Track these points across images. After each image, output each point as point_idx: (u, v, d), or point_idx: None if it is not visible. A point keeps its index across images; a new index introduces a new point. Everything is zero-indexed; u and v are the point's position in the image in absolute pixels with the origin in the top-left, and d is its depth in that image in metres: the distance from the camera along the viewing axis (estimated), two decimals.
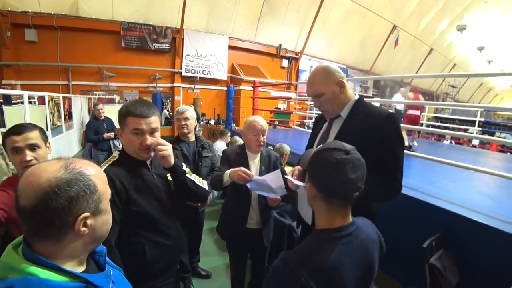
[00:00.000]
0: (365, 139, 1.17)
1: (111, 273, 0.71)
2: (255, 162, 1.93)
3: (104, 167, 1.16)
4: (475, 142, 9.42)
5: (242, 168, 1.60)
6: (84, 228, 0.60)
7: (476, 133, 7.16)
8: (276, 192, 1.55)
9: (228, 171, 1.69)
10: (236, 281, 2.08)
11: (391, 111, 1.32)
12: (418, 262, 1.96)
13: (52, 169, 0.59)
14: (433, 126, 7.94)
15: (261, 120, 1.88)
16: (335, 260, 0.76)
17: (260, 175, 1.85)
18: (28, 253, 0.58)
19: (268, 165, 1.95)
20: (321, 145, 0.88)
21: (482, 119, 7.29)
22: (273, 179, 1.51)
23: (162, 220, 1.27)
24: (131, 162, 1.23)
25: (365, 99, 1.46)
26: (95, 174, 0.64)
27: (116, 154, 1.27)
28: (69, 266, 0.60)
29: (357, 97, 1.39)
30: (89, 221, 0.61)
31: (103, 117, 4.74)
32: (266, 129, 1.88)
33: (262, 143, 1.87)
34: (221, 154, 2.00)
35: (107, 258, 0.76)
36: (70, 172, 0.59)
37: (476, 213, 2.15)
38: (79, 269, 0.64)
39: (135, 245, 1.19)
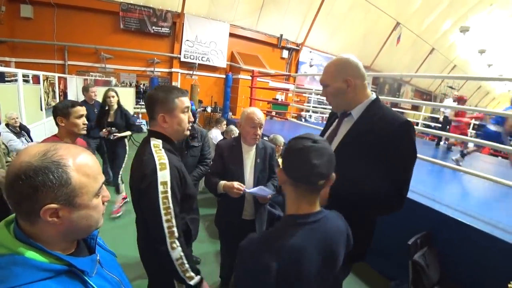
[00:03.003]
0: (375, 145, 1.14)
1: (98, 257, 0.71)
2: (250, 155, 1.91)
3: (164, 159, 1.16)
4: (470, 144, 9.47)
5: (235, 185, 1.72)
6: (53, 219, 0.58)
7: (470, 136, 7.22)
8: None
9: (221, 184, 1.77)
10: (226, 268, 2.13)
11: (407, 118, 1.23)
12: (403, 258, 2.01)
13: (31, 153, 0.57)
14: (429, 127, 8.01)
15: (259, 113, 1.86)
16: (298, 243, 0.81)
17: (255, 168, 1.90)
18: (17, 232, 0.59)
19: (264, 157, 1.95)
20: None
21: (477, 122, 7.33)
22: (264, 190, 1.74)
23: (194, 197, 1.40)
24: (173, 147, 1.28)
25: None
26: (77, 166, 0.60)
27: (157, 142, 1.23)
28: (54, 248, 0.61)
29: (374, 97, 1.30)
30: (61, 213, 0.59)
31: (93, 102, 4.21)
32: (263, 122, 1.87)
33: (258, 137, 1.86)
34: (215, 142, 2.02)
35: (99, 241, 0.77)
36: (44, 160, 0.57)
37: (461, 214, 2.20)
38: (66, 252, 0.64)
39: (182, 222, 1.28)
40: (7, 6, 7.26)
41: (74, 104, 1.86)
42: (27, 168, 0.55)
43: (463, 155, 4.65)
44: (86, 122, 1.90)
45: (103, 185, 0.68)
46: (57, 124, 1.83)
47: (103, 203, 0.68)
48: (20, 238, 0.58)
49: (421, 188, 2.76)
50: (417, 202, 2.38)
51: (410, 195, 2.47)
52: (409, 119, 1.27)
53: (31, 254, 0.56)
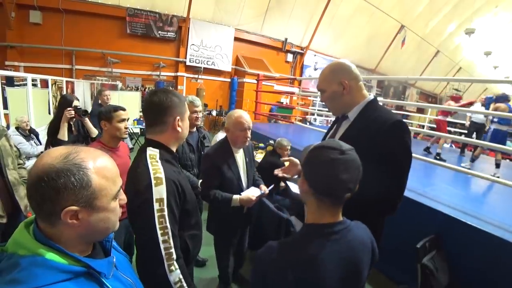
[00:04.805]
0: (368, 146, 1.10)
1: (114, 259, 0.72)
2: (240, 157, 1.95)
3: (160, 173, 1.06)
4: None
5: (253, 198, 1.79)
6: (73, 221, 0.59)
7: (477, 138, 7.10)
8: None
9: (237, 199, 1.79)
10: (223, 269, 2.16)
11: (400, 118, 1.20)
12: (411, 261, 2.00)
13: (54, 155, 0.58)
14: (434, 129, 7.94)
15: (246, 115, 1.88)
16: (316, 254, 0.76)
17: (247, 167, 1.99)
18: (37, 233, 0.60)
19: (249, 155, 2.03)
20: (319, 142, 0.87)
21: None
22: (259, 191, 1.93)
23: (195, 212, 1.29)
24: (172, 157, 1.19)
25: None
26: (97, 168, 0.61)
27: (153, 152, 1.12)
28: (72, 250, 0.61)
29: (371, 98, 1.30)
30: (80, 215, 0.59)
31: (107, 105, 4.22)
32: (251, 124, 1.87)
33: (248, 138, 1.88)
34: None
35: (114, 244, 0.77)
36: (66, 162, 0.57)
37: (470, 216, 2.18)
38: (83, 254, 0.65)
39: (180, 240, 1.18)
40: (16, 12, 7.42)
41: (117, 108, 1.91)
42: (49, 170, 0.56)
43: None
44: (128, 126, 1.96)
45: (121, 188, 0.69)
46: (101, 128, 1.90)
47: (120, 206, 0.69)
48: (39, 239, 0.59)
49: (429, 190, 2.74)
50: (425, 205, 2.36)
51: (417, 198, 2.47)
52: (412, 121, 1.24)
53: (51, 256, 0.57)
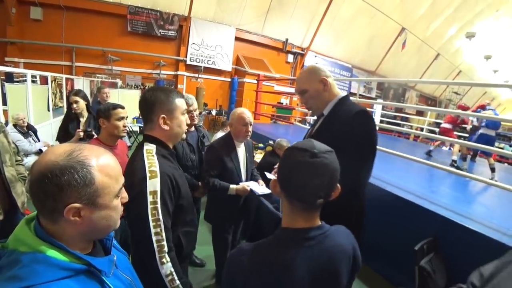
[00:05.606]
0: (337, 137, 1.15)
1: (115, 258, 0.72)
2: (241, 151, 2.13)
3: (155, 166, 1.08)
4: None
5: (247, 188, 1.98)
6: (75, 218, 0.59)
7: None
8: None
9: (234, 188, 1.98)
10: (220, 266, 2.24)
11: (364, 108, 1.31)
12: (409, 263, 2.00)
13: (57, 152, 0.58)
14: (433, 132, 7.95)
15: (247, 112, 2.08)
16: (287, 260, 0.73)
17: (246, 161, 2.17)
18: (38, 230, 0.60)
19: (249, 150, 2.24)
20: (295, 142, 0.82)
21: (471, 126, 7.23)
22: (262, 187, 2.07)
23: (190, 209, 1.29)
24: (169, 153, 1.20)
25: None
26: (100, 166, 0.61)
27: (150, 147, 1.14)
28: (73, 248, 0.61)
29: (343, 94, 1.41)
30: (83, 212, 0.59)
31: (106, 102, 3.98)
32: (252, 119, 2.08)
33: (249, 133, 2.07)
34: None
35: (114, 242, 0.77)
36: (70, 159, 0.57)
37: (468, 219, 2.18)
38: (84, 252, 0.65)
39: (173, 236, 1.18)
40: (17, 8, 7.40)
41: (116, 106, 1.93)
42: (53, 167, 0.56)
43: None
44: (127, 124, 1.97)
45: (123, 186, 0.69)
46: (99, 126, 1.93)
47: (122, 204, 0.69)
48: (41, 236, 0.59)
49: (427, 193, 2.74)
50: (424, 207, 2.36)
51: (416, 200, 2.47)
52: (367, 109, 1.31)
53: (52, 253, 0.57)
